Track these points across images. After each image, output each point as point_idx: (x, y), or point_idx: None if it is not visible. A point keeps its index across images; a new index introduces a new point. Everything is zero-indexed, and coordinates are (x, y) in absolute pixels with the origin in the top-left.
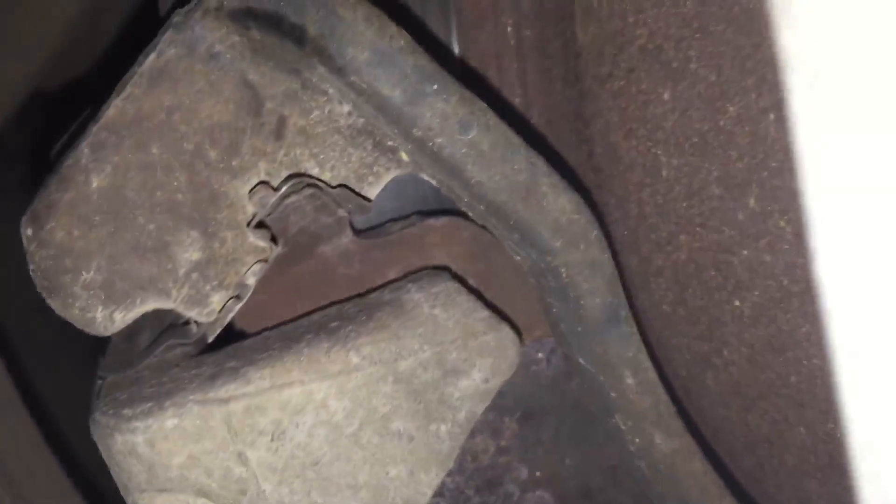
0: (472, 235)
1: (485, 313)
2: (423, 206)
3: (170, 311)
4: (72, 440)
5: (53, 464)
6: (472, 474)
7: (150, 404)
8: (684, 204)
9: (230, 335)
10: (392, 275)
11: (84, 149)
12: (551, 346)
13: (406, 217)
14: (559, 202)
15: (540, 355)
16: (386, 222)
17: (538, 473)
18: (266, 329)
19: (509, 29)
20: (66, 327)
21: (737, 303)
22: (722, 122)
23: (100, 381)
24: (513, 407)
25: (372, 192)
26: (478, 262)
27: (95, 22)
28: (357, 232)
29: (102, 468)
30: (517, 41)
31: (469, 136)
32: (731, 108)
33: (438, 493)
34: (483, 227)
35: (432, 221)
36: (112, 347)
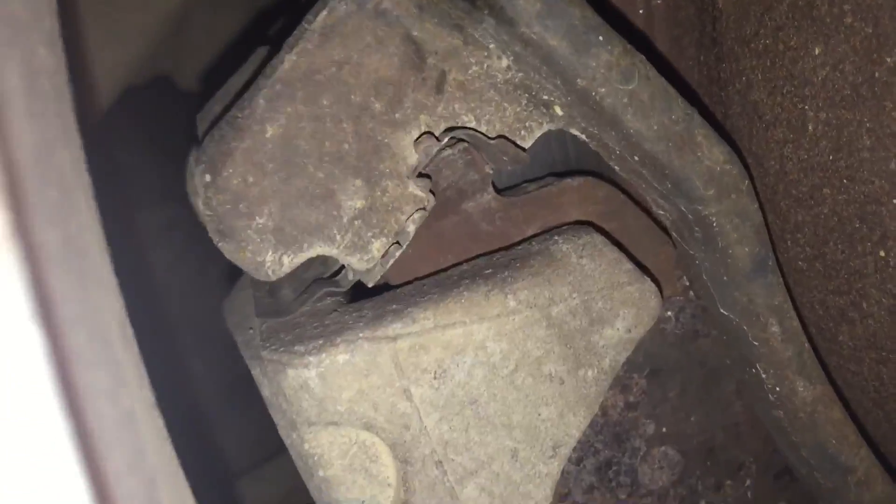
0: (606, 195)
1: (629, 265)
2: (551, 170)
3: (311, 267)
4: None
5: None
6: (601, 428)
7: (320, 341)
8: (830, 157)
9: (375, 288)
10: (531, 231)
11: (260, 99)
12: (679, 305)
13: (541, 178)
14: (713, 152)
15: (669, 314)
16: (522, 183)
17: (664, 429)
18: (416, 279)
19: None
20: None
21: (882, 253)
22: (877, 74)
23: (250, 330)
24: (642, 363)
25: (525, 145)
26: (611, 220)
27: (189, 15)
28: (498, 190)
29: None
30: (647, 9)
31: (630, 87)
32: (889, 59)
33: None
34: (617, 187)
35: (569, 181)
36: (257, 301)
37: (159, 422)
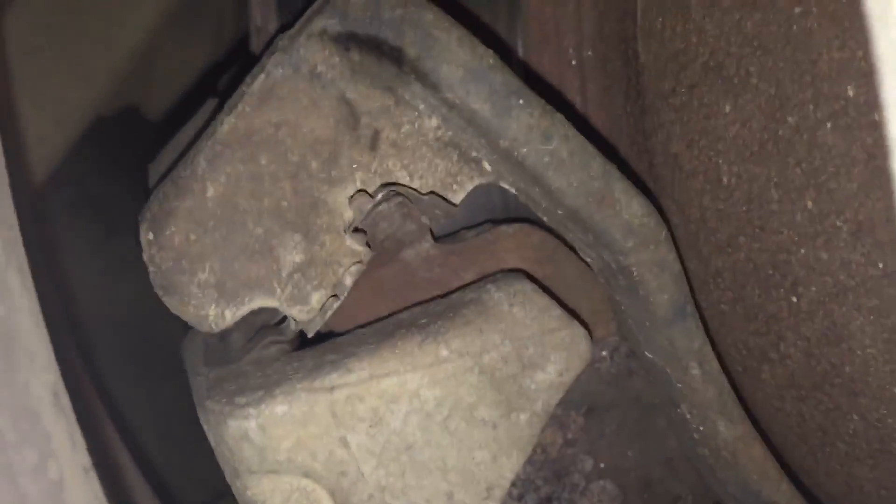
0: (540, 241)
1: (559, 311)
2: (491, 216)
3: (260, 314)
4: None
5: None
6: (541, 465)
7: (260, 392)
8: (744, 208)
9: (319, 335)
10: (468, 278)
11: (201, 160)
12: (613, 345)
13: (479, 225)
14: (632, 206)
15: (603, 353)
16: (460, 230)
17: (602, 464)
18: (357, 327)
19: (571, 50)
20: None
21: (794, 299)
22: (781, 132)
23: (199, 377)
24: (579, 401)
25: (456, 199)
26: (546, 265)
27: (155, 52)
28: (436, 239)
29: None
30: (579, 61)
31: (550, 146)
32: (790, 119)
33: (511, 482)
34: (551, 232)
35: (504, 228)
36: (207, 347)
37: (93, 481)
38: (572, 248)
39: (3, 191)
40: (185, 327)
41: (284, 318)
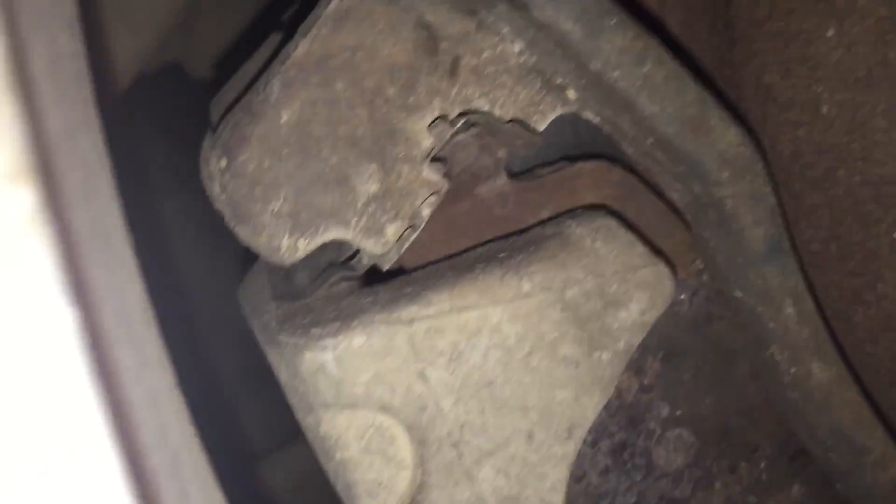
0: (619, 178)
1: (643, 248)
2: (564, 154)
3: (325, 252)
4: None
5: None
6: (615, 410)
7: (337, 324)
8: (845, 139)
9: (389, 272)
10: (544, 215)
11: (274, 85)
12: (693, 288)
13: (554, 162)
14: (727, 135)
15: (682, 296)
16: (534, 167)
17: (678, 412)
18: (429, 263)
19: None
20: None
21: None
22: (891, 56)
23: (266, 315)
24: (656, 346)
25: (539, 129)
26: (625, 203)
27: (196, 8)
28: (511, 174)
29: None
30: None
31: (644, 69)
32: None
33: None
34: (630, 170)
35: (582, 165)
36: (272, 285)
37: (180, 403)
38: (652, 187)
39: (88, 94)
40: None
41: (353, 255)
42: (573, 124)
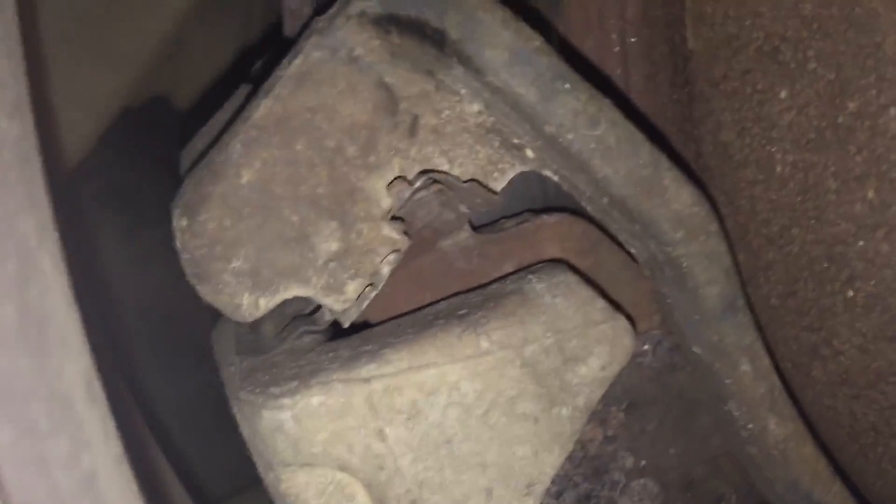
0: (582, 231)
1: (602, 304)
2: (531, 206)
3: (292, 303)
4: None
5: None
6: (580, 462)
7: (295, 383)
8: (798, 198)
9: (354, 326)
10: (508, 268)
11: (236, 145)
12: (657, 339)
13: (518, 214)
14: (681, 195)
15: (646, 347)
16: (499, 219)
17: (643, 462)
18: (392, 318)
19: (614, 36)
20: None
21: (850, 293)
22: (840, 119)
23: (232, 367)
24: (620, 397)
25: (497, 187)
26: (588, 256)
27: (183, 40)
28: (475, 228)
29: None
30: (622, 47)
31: (597, 132)
32: (851, 105)
33: (551, 478)
34: (593, 223)
35: (545, 218)
36: (238, 337)
37: (126, 472)
38: (615, 240)
39: (34, 171)
40: (213, 319)
41: (317, 307)
42: (539, 178)
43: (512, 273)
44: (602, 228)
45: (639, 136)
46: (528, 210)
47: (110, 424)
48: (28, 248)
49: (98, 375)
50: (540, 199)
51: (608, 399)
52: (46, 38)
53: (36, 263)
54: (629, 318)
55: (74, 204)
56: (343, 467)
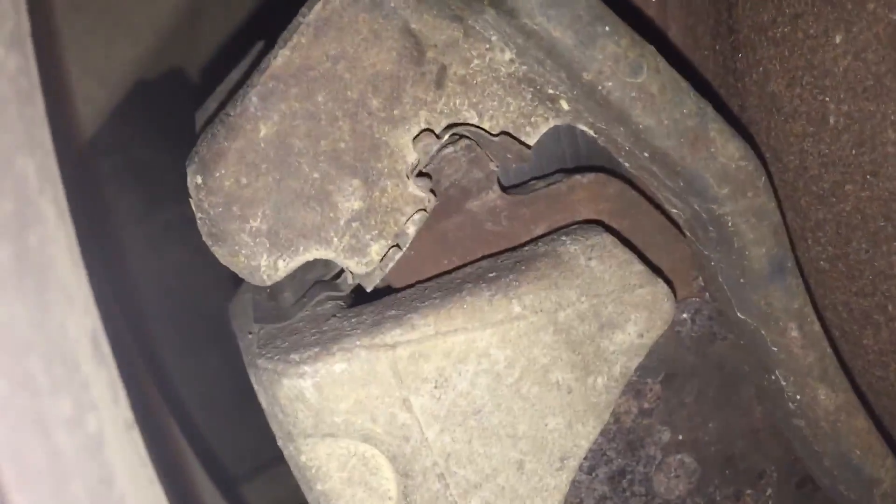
0: (618, 192)
1: (640, 267)
2: (561, 165)
3: (313, 269)
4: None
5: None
6: (614, 435)
7: (316, 349)
8: (853, 152)
9: (377, 291)
10: (538, 231)
11: (252, 97)
12: (695, 307)
13: (550, 175)
14: (728, 148)
15: (684, 315)
16: (529, 180)
17: (680, 436)
18: (418, 282)
19: None
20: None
21: None
22: None
23: (250, 335)
24: (656, 368)
25: (530, 142)
26: (623, 218)
27: (200, 7)
28: (504, 188)
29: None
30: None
31: (639, 80)
32: None
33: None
34: (629, 183)
35: (578, 178)
36: (256, 305)
37: (136, 439)
38: (653, 201)
39: (36, 111)
40: (230, 293)
41: (339, 273)
42: (571, 134)
43: (545, 234)
44: (639, 189)
45: (684, 85)
46: (560, 170)
47: (120, 388)
48: (27, 191)
49: (107, 337)
50: (571, 158)
51: (644, 370)
52: (58, 7)
53: (37, 209)
54: (669, 282)
55: (92, 182)
56: (366, 438)
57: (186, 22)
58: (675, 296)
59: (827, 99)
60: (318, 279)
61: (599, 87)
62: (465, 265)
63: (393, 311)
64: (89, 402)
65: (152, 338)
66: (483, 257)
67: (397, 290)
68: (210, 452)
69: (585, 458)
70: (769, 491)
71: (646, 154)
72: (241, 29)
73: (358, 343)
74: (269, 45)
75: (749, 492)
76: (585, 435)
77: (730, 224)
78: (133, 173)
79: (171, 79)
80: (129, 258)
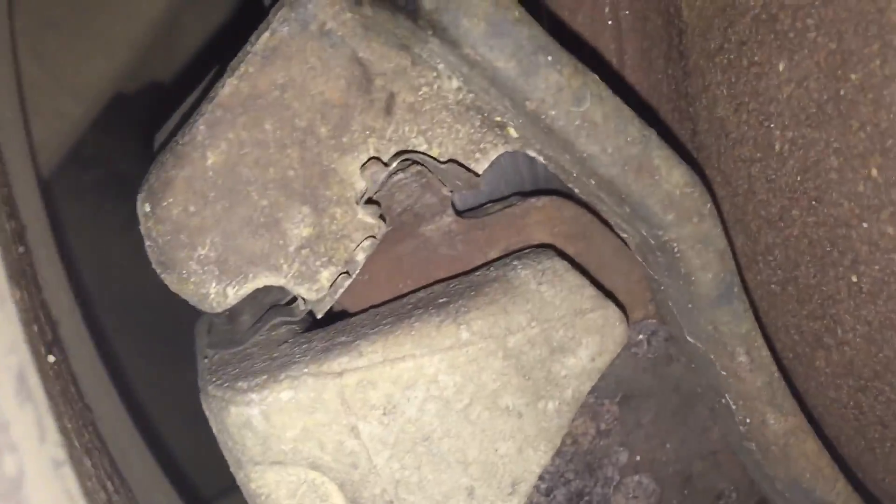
0: (572, 215)
1: (592, 291)
2: (519, 188)
3: (270, 292)
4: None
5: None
6: (571, 457)
7: (264, 377)
8: (798, 178)
9: (332, 315)
10: (493, 254)
11: (200, 126)
12: (651, 329)
13: (506, 198)
14: (672, 175)
15: (640, 337)
16: (485, 203)
17: (638, 457)
18: (371, 307)
19: (607, 9)
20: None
21: (854, 278)
22: (842, 91)
23: (205, 360)
24: (613, 389)
25: (479, 169)
26: (578, 241)
27: (176, 23)
28: (458, 212)
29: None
30: (615, 20)
31: (582, 108)
32: (853, 76)
33: (538, 476)
34: (584, 206)
35: (533, 201)
36: (214, 328)
37: (66, 481)
38: (607, 223)
39: None
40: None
41: (295, 297)
42: (529, 158)
43: (498, 259)
44: (595, 212)
45: (627, 113)
46: (517, 193)
47: (49, 426)
48: None
49: (37, 371)
50: (529, 181)
51: (601, 392)
52: (34, 23)
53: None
54: (621, 306)
55: (74, 195)
56: (315, 466)
57: (163, 35)
58: (627, 319)
59: (772, 125)
60: (275, 303)
61: (543, 116)
62: (419, 289)
63: (343, 338)
64: (7, 444)
65: (128, 353)
66: (437, 281)
67: (351, 315)
68: (182, 471)
69: (543, 480)
70: None
71: (592, 181)
72: (218, 40)
73: (305, 370)
74: (222, 69)
75: None
76: (537, 460)
77: (676, 250)
78: (116, 186)
79: (151, 92)
80: (112, 271)
